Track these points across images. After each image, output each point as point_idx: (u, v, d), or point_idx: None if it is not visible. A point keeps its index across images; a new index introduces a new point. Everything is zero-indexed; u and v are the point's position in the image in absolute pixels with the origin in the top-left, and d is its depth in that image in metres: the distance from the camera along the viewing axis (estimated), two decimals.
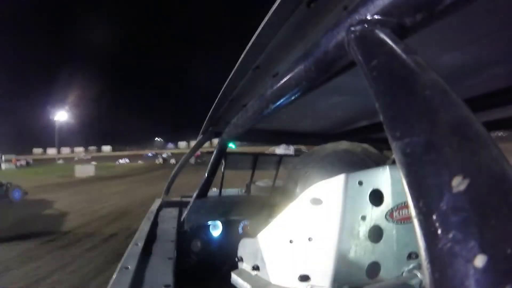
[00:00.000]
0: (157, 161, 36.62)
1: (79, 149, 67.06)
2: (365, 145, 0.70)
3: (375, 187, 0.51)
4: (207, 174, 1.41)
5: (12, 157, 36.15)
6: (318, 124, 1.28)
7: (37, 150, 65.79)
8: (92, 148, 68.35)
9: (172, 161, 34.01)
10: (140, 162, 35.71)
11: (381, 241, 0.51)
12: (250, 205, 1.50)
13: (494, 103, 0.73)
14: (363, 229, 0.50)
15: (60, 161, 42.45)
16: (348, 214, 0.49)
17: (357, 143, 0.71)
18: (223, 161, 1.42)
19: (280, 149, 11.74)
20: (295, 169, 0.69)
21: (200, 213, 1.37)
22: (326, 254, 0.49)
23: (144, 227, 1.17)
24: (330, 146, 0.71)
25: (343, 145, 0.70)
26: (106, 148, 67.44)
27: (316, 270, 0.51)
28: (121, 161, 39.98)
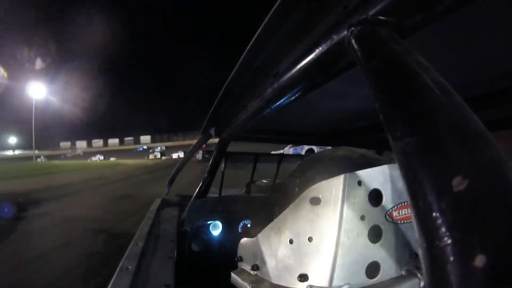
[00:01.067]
0: (151, 156, 31.10)
1: (66, 144, 60.81)
2: (363, 150, 0.71)
3: (375, 187, 0.51)
4: (207, 174, 1.41)
5: None
6: (318, 124, 1.28)
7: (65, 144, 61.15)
8: (112, 141, 60.98)
9: (176, 155, 28.71)
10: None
11: (381, 241, 0.51)
12: (250, 205, 1.50)
13: (494, 103, 0.73)
14: (363, 229, 0.50)
15: (41, 159, 38.91)
16: (347, 214, 0.49)
17: (355, 149, 0.71)
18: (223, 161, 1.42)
19: (289, 149, 10.11)
20: (295, 176, 0.69)
21: (200, 213, 1.36)
22: (326, 254, 0.49)
23: (144, 227, 1.17)
24: (328, 151, 0.72)
25: (341, 150, 0.70)
26: (114, 141, 60.63)
27: (315, 270, 0.51)
28: (94, 158, 36.37)
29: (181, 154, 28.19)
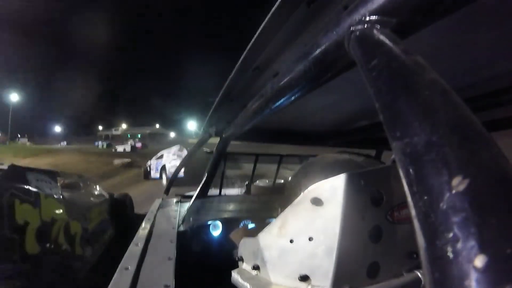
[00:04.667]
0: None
1: None
2: (364, 153, 0.71)
3: (376, 187, 0.51)
4: (207, 174, 1.41)
5: None
6: (318, 124, 1.28)
7: None
8: None
9: (121, 148, 22.81)
10: None
11: (381, 241, 0.51)
12: (250, 205, 1.51)
13: (494, 103, 0.73)
14: (363, 229, 0.50)
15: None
16: (348, 214, 0.49)
17: (356, 151, 0.71)
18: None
19: (170, 153, 8.52)
20: (297, 177, 0.69)
21: (200, 213, 1.37)
22: (327, 254, 0.49)
23: (144, 227, 1.17)
24: (332, 156, 0.72)
25: (345, 155, 0.70)
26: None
27: (316, 270, 0.51)
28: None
29: (128, 148, 23.98)
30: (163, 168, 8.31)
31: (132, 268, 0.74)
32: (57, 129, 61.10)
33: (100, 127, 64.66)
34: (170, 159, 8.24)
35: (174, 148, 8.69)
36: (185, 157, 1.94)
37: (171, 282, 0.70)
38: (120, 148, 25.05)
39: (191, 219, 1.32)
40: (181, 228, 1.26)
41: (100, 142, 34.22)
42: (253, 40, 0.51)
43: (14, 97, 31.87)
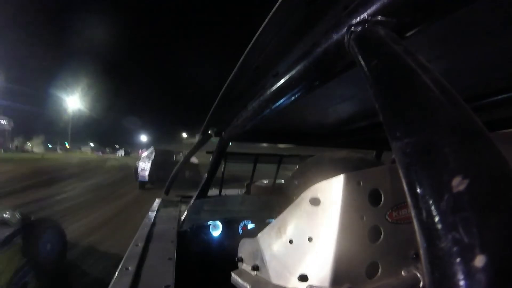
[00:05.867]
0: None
1: None
2: (363, 153, 0.71)
3: (374, 187, 0.51)
4: (207, 174, 1.42)
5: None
6: (319, 124, 1.28)
7: None
8: None
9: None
10: None
11: (380, 241, 0.51)
12: (250, 205, 1.51)
13: (494, 103, 0.73)
14: (362, 229, 0.50)
15: None
16: (347, 214, 0.49)
17: (355, 151, 0.72)
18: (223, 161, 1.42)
19: (144, 156, 9.60)
20: (296, 177, 0.69)
21: (200, 213, 1.37)
22: (326, 254, 0.49)
23: (144, 227, 1.17)
24: (330, 155, 0.72)
25: (341, 153, 0.71)
26: None
27: (315, 270, 0.51)
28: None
29: (122, 153, 32.31)
30: (136, 170, 9.24)
31: (132, 268, 0.74)
32: (143, 138, 67.31)
33: (185, 135, 65.91)
34: (142, 162, 9.11)
35: (148, 152, 9.65)
36: (183, 159, 1.94)
37: (171, 282, 0.70)
38: (119, 153, 37.76)
39: (191, 219, 1.32)
40: (181, 228, 1.26)
41: (121, 151, 43.38)
42: (253, 40, 0.51)
43: (74, 103, 32.23)
